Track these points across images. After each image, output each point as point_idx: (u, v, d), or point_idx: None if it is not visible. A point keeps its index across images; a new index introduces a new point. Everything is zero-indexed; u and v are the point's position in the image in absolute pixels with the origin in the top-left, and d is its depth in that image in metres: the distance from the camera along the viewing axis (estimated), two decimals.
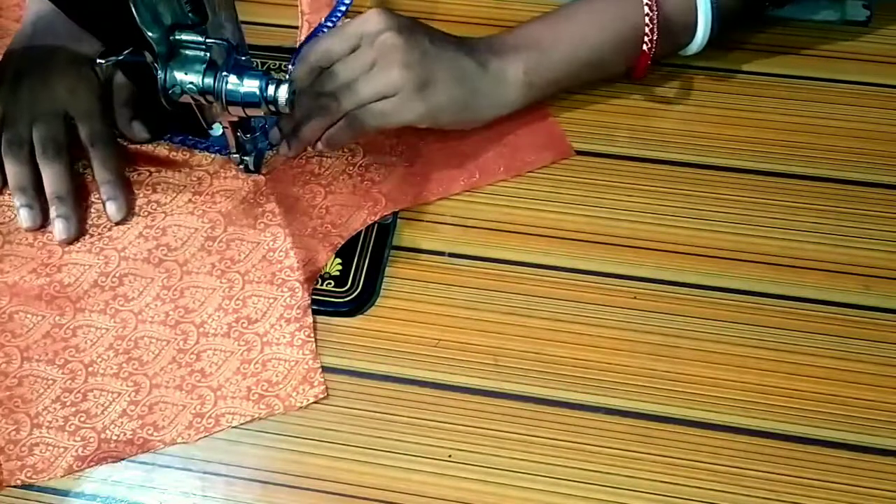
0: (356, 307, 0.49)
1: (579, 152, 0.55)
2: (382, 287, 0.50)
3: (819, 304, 0.49)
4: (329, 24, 0.59)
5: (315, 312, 0.49)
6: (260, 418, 0.46)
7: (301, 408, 0.46)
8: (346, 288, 0.50)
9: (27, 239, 0.52)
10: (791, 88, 0.57)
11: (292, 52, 0.60)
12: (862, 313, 0.48)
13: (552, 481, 0.44)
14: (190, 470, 0.45)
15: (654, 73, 0.58)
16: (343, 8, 0.60)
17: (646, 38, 0.53)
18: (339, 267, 0.51)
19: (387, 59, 0.49)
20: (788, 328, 0.48)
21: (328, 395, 0.46)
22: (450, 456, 0.44)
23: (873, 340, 0.47)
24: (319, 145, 0.52)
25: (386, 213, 0.52)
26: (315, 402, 0.46)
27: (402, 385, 0.47)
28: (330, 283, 0.50)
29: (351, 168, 0.54)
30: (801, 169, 0.54)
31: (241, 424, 0.45)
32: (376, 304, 0.49)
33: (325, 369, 0.47)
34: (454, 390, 0.46)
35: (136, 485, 0.44)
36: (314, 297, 0.49)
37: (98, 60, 0.47)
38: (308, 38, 0.59)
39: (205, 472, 0.44)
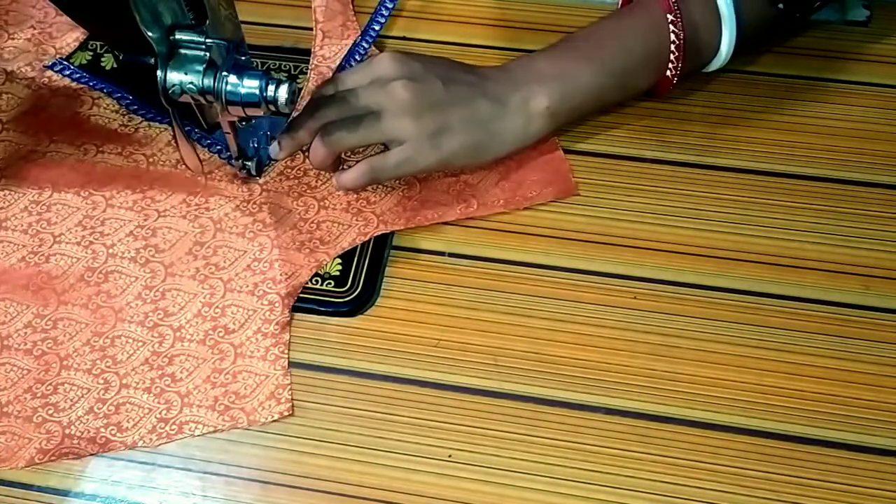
0: (356, 307, 0.49)
1: (579, 152, 0.55)
2: (382, 287, 0.50)
3: (819, 304, 0.49)
4: (373, 30, 0.60)
5: (315, 312, 0.49)
6: (222, 430, 0.45)
7: (264, 423, 0.45)
8: (346, 288, 0.50)
9: (21, 225, 0.52)
10: (791, 88, 0.57)
11: (292, 52, 0.60)
12: (862, 313, 0.48)
13: (552, 481, 0.44)
14: (190, 470, 0.45)
15: None
16: (382, 19, 0.60)
17: (670, 63, 0.52)
18: (339, 267, 0.51)
19: (398, 108, 0.49)
20: (788, 328, 0.48)
21: (293, 413, 0.46)
22: (450, 456, 0.44)
23: (873, 340, 0.47)
24: (334, 181, 0.51)
25: (376, 234, 0.51)
26: (312, 406, 0.46)
27: (402, 385, 0.47)
28: (330, 283, 0.50)
29: None
30: (801, 169, 0.54)
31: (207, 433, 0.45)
32: (376, 304, 0.49)
33: (325, 369, 0.47)
34: (454, 390, 0.46)
35: (136, 485, 0.44)
36: (314, 297, 0.49)
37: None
38: (348, 55, 0.59)
39: (205, 472, 0.44)
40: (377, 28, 0.60)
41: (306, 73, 0.59)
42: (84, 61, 0.60)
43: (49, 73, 0.59)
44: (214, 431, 0.45)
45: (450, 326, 0.48)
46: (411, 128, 0.49)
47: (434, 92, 0.49)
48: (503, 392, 0.46)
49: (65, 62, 0.59)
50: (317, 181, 0.53)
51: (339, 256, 0.51)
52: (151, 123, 0.56)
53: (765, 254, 0.50)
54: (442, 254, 0.51)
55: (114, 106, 0.57)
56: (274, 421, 0.45)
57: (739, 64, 0.58)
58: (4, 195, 0.53)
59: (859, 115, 0.56)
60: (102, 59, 0.60)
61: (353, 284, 0.50)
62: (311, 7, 0.61)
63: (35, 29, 0.61)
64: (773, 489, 0.43)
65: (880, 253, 0.50)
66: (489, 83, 0.51)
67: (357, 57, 0.59)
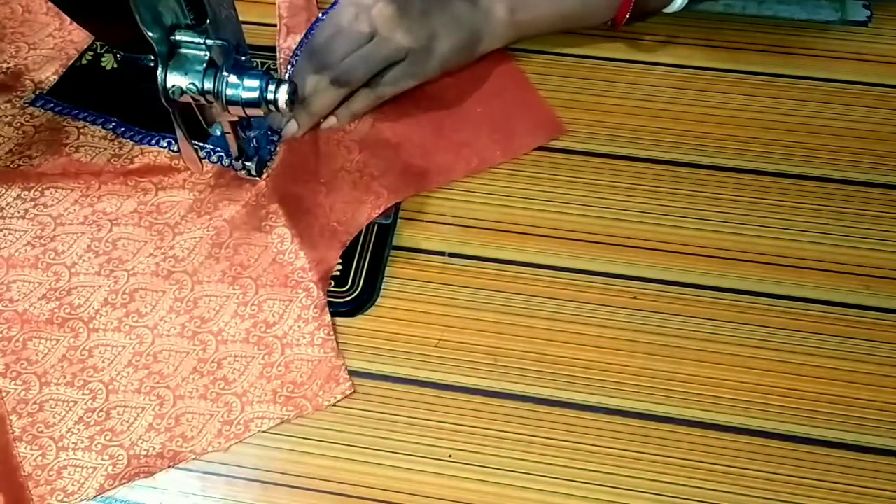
0: (356, 307, 0.49)
1: (579, 152, 0.55)
2: (382, 287, 0.50)
3: (819, 304, 0.49)
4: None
5: None
6: (289, 420, 0.45)
7: (329, 406, 0.46)
8: (346, 288, 0.50)
9: (29, 260, 0.51)
10: (791, 88, 0.57)
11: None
12: (862, 313, 0.48)
13: (552, 481, 0.44)
14: (190, 470, 0.45)
15: (654, 73, 0.58)
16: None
17: None
18: (339, 267, 0.51)
19: (387, 29, 0.51)
20: (788, 328, 0.48)
21: (355, 390, 0.46)
22: (450, 456, 0.44)
23: (873, 340, 0.47)
24: (333, 119, 0.53)
25: (389, 206, 0.52)
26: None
27: (402, 385, 0.47)
28: (330, 283, 0.50)
29: (349, 164, 0.54)
30: (801, 169, 0.54)
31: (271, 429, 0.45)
32: (376, 304, 0.49)
33: None
34: (454, 390, 0.46)
35: (136, 485, 0.44)
36: None
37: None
38: (309, 31, 0.58)
39: (205, 472, 0.44)
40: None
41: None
42: (84, 61, 0.60)
43: (31, 109, 0.57)
44: (281, 423, 0.45)
45: (450, 326, 0.48)
46: (406, 43, 0.52)
47: (415, 3, 0.52)
48: (503, 392, 0.46)
49: (45, 96, 0.58)
50: (317, 166, 0.54)
51: (339, 256, 0.51)
52: (144, 148, 0.55)
53: (765, 254, 0.50)
54: (442, 254, 0.51)
55: (100, 132, 0.56)
56: (337, 402, 0.46)
57: (740, 64, 0.58)
58: (3, 236, 0.52)
59: (859, 115, 0.56)
60: (103, 59, 0.60)
61: (353, 284, 0.50)
62: (283, 4, 0.62)
63: (55, 38, 0.61)
64: (773, 489, 0.43)
65: (880, 253, 0.50)
66: None
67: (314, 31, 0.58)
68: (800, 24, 0.61)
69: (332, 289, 0.50)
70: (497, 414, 0.46)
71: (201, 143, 0.54)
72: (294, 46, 0.59)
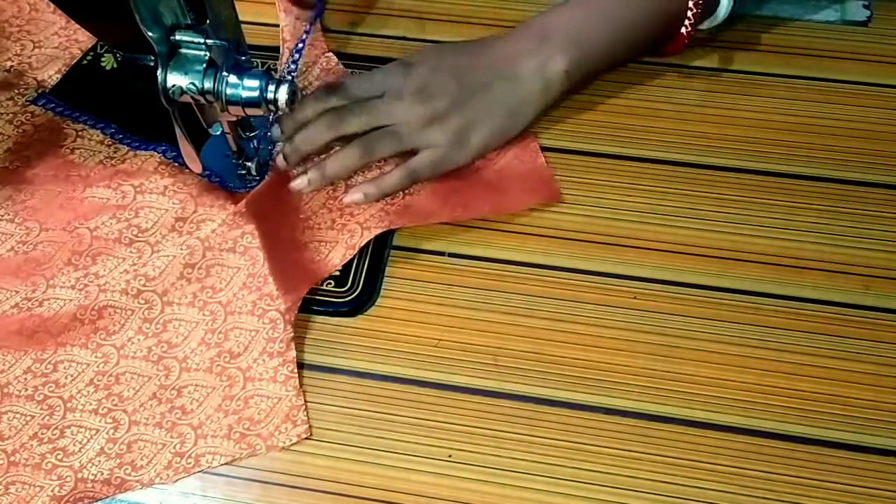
0: (356, 307, 0.49)
1: (579, 152, 0.55)
2: (382, 287, 0.50)
3: (819, 304, 0.49)
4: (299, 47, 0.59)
5: (315, 312, 0.49)
6: (241, 458, 0.44)
7: (283, 448, 0.45)
8: (346, 288, 0.50)
9: (10, 267, 0.50)
10: (791, 88, 0.57)
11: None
12: (862, 313, 0.48)
13: (552, 481, 0.44)
14: None
15: (654, 72, 0.58)
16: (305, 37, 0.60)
17: (687, 20, 0.53)
18: (339, 267, 0.50)
19: (421, 120, 0.51)
20: (788, 328, 0.48)
21: (311, 433, 0.45)
22: (450, 456, 0.44)
23: (873, 340, 0.47)
24: (360, 195, 0.51)
25: (363, 243, 0.50)
26: (312, 406, 0.46)
27: (402, 385, 0.47)
28: (330, 283, 0.50)
29: (331, 202, 0.52)
30: (801, 169, 0.54)
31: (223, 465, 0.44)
32: (376, 304, 0.49)
33: (325, 369, 0.47)
34: (454, 390, 0.46)
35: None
36: (314, 297, 0.49)
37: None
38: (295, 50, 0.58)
39: (205, 472, 0.44)
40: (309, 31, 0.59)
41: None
42: (84, 62, 0.60)
43: (32, 107, 0.57)
44: (233, 461, 0.44)
45: (450, 326, 0.48)
46: (439, 134, 0.51)
47: (450, 92, 0.51)
48: (503, 392, 0.46)
49: (47, 96, 0.58)
50: (300, 202, 0.53)
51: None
52: (137, 152, 0.55)
53: (765, 254, 0.50)
54: (442, 254, 0.51)
55: (98, 136, 0.55)
56: (293, 444, 0.45)
57: (740, 64, 0.58)
58: None
59: (859, 115, 0.56)
60: (102, 59, 0.60)
61: (353, 284, 0.50)
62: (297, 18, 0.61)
63: (60, 36, 0.61)
64: (773, 489, 0.43)
65: (880, 253, 0.50)
66: (499, 59, 0.52)
67: (296, 54, 0.58)
68: (800, 24, 0.61)
69: (332, 289, 0.50)
70: (497, 414, 0.46)
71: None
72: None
